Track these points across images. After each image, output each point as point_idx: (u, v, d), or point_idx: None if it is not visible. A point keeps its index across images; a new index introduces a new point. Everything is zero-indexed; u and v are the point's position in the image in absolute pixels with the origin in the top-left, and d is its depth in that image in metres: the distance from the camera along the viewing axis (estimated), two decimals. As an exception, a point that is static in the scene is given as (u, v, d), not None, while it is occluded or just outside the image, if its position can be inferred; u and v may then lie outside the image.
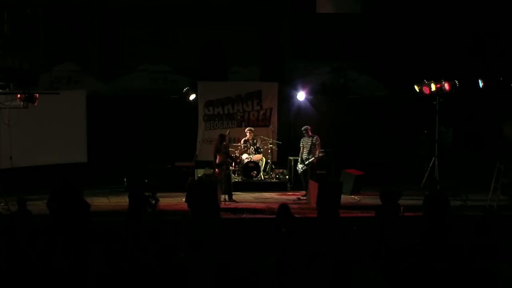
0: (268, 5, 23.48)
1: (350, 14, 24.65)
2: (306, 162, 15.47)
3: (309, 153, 15.48)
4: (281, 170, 17.47)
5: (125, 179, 16.52)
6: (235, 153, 16.92)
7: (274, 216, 11.18)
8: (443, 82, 15.84)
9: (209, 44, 20.34)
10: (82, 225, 10.58)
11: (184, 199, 13.55)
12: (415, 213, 11.90)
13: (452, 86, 15.82)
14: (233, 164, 16.50)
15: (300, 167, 15.68)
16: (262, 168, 17.19)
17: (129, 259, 7.39)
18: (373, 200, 14.41)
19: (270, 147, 17.35)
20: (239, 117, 17.95)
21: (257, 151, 17.01)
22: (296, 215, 11.27)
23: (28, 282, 6.98)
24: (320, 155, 15.59)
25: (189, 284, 6.77)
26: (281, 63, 21.14)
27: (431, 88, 16.00)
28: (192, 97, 17.46)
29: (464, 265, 7.05)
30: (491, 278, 6.18)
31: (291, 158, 16.96)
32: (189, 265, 7.26)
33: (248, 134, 17.02)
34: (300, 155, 15.70)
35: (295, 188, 16.72)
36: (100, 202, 15.07)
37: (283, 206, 10.60)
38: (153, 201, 11.52)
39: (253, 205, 14.90)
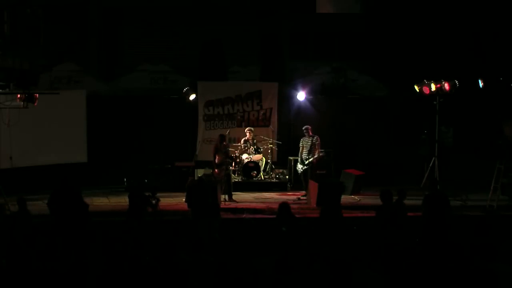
0: (268, 5, 23.49)
1: (350, 14, 24.67)
2: (306, 162, 15.47)
3: (309, 153, 15.47)
4: (281, 170, 17.47)
5: (125, 179, 16.52)
6: (235, 153, 16.92)
7: (274, 216, 11.19)
8: (443, 82, 15.84)
9: (209, 44, 20.34)
10: (81, 225, 10.57)
11: (184, 199, 13.55)
12: (415, 213, 11.89)
13: (452, 86, 15.82)
14: (233, 164, 16.50)
15: (300, 167, 15.68)
16: (262, 168, 17.19)
17: (129, 259, 7.39)
18: (373, 200, 14.41)
19: (270, 147, 17.35)
20: (239, 117, 17.95)
21: (257, 151, 17.01)
22: (296, 215, 11.24)
23: (28, 282, 6.97)
24: (320, 154, 15.59)
25: (189, 284, 6.77)
26: (281, 63, 21.16)
27: (431, 88, 16.01)
28: (192, 97, 17.47)
29: (464, 265, 7.05)
30: (491, 278, 6.19)
31: (291, 158, 16.96)
32: (189, 265, 7.26)
33: (248, 134, 17.02)
34: (299, 155, 15.69)
35: (295, 188, 16.72)
36: (100, 202, 15.07)
37: (284, 205, 10.60)
38: (154, 201, 11.51)
39: (253, 205, 14.90)
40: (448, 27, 22.26)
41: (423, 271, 7.02)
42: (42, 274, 7.11)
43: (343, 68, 19.47)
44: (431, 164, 16.10)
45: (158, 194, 11.71)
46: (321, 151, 15.73)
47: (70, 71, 18.74)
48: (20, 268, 7.15)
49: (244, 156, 17.01)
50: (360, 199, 15.50)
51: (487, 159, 15.57)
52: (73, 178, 11.66)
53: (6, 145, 15.32)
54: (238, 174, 17.03)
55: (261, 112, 17.99)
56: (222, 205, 14.16)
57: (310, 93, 18.38)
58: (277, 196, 16.04)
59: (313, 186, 14.62)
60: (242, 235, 11.54)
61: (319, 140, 15.53)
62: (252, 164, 16.88)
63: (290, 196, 15.83)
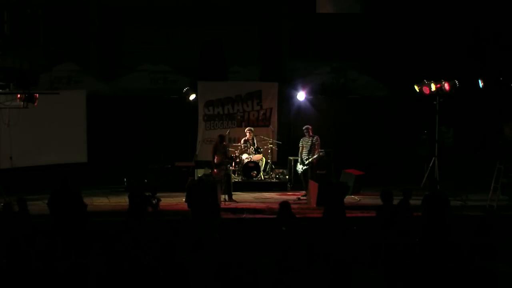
0: (268, 5, 23.48)
1: (350, 14, 24.65)
2: (306, 162, 15.48)
3: (309, 153, 15.48)
4: (281, 170, 17.48)
5: (125, 179, 16.51)
6: (235, 153, 16.93)
7: (274, 216, 11.19)
8: (443, 82, 15.84)
9: (209, 44, 20.34)
10: (80, 225, 10.56)
11: (184, 199, 13.56)
12: (415, 213, 11.88)
13: (452, 86, 15.82)
14: (233, 164, 16.51)
15: (300, 168, 15.68)
16: (262, 168, 17.20)
17: (129, 259, 7.38)
18: (373, 200, 14.42)
19: (270, 147, 17.36)
20: (239, 117, 17.95)
21: (257, 151, 17.01)
22: (296, 215, 11.25)
23: (28, 282, 6.97)
24: (320, 154, 15.60)
25: (189, 284, 6.77)
26: (281, 63, 21.17)
27: (431, 88, 16.01)
28: (192, 97, 17.47)
29: (464, 265, 7.05)
30: (491, 278, 6.19)
31: (291, 158, 16.96)
32: (189, 265, 7.26)
33: (248, 134, 17.02)
34: (299, 155, 15.69)
35: (295, 188, 16.72)
36: (100, 202, 15.07)
37: (284, 204, 10.61)
38: (155, 201, 11.51)
39: (253, 205, 14.89)
40: (448, 27, 22.25)
41: (423, 271, 7.02)
42: (42, 274, 7.11)
43: (343, 68, 19.47)
44: (431, 164, 16.10)
45: (158, 194, 11.72)
46: (321, 151, 15.73)
47: (70, 71, 18.75)
48: (20, 268, 7.15)
49: (244, 156, 17.01)
50: (360, 199, 15.50)
51: (487, 159, 15.57)
52: (72, 178, 11.66)
53: (6, 145, 15.32)
54: (238, 174, 17.04)
55: (261, 112, 17.99)
56: (222, 205, 14.16)
57: (310, 93, 18.38)
58: (277, 196, 16.04)
59: (313, 186, 14.63)
60: (242, 235, 11.55)
61: (319, 140, 15.54)
62: (252, 164, 16.88)
63: (290, 196, 15.82)
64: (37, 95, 13.94)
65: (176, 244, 7.63)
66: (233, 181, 15.94)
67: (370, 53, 23.30)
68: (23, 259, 7.34)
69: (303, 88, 18.16)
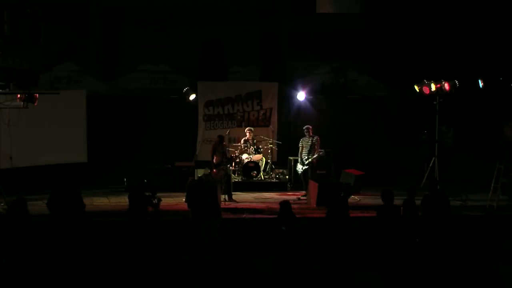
0: (268, 5, 23.48)
1: (350, 14, 24.64)
2: (306, 162, 15.48)
3: (308, 153, 15.48)
4: (281, 170, 17.48)
5: (125, 179, 16.52)
6: (235, 153, 16.93)
7: (274, 216, 11.18)
8: (443, 82, 15.84)
9: (209, 44, 20.35)
10: (78, 225, 10.56)
11: (184, 199, 13.55)
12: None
13: (452, 86, 15.82)
14: (233, 164, 16.51)
15: (300, 168, 15.68)
16: (262, 168, 17.20)
17: (129, 259, 7.38)
18: (373, 200, 14.43)
19: (270, 147, 17.36)
20: (239, 117, 17.96)
21: (257, 151, 17.01)
22: (296, 215, 11.26)
23: (28, 282, 6.97)
24: (320, 154, 15.60)
25: (189, 284, 6.76)
26: (281, 63, 21.17)
27: (431, 88, 16.00)
28: (192, 97, 17.47)
29: (464, 265, 7.05)
30: (491, 278, 6.18)
31: (291, 158, 16.96)
32: (189, 265, 7.25)
33: (248, 134, 17.02)
34: (299, 155, 15.69)
35: (295, 188, 16.73)
36: (100, 202, 15.07)
37: (284, 203, 10.62)
38: (155, 201, 11.50)
39: (253, 205, 14.89)
40: (448, 27, 22.25)
41: (423, 271, 7.02)
42: (42, 274, 7.11)
43: (343, 68, 19.48)
44: (431, 164, 16.10)
45: (158, 194, 11.71)
46: (321, 151, 15.73)
47: (70, 71, 18.75)
48: (20, 268, 7.15)
49: (244, 156, 17.01)
50: (360, 199, 15.50)
51: (487, 159, 15.57)
52: (72, 178, 11.65)
53: (6, 145, 15.31)
54: (238, 174, 17.04)
55: (261, 112, 18.00)
56: (222, 205, 14.16)
57: (310, 93, 18.39)
58: (277, 196, 16.03)
59: (313, 186, 14.63)
60: (242, 235, 11.55)
61: (319, 140, 15.55)
62: (252, 164, 16.88)
63: (290, 196, 15.81)
64: (37, 95, 13.94)
65: (176, 244, 7.62)
66: (233, 181, 15.94)
67: (370, 53, 23.29)
68: (23, 259, 7.34)
69: (303, 88, 18.16)
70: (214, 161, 15.12)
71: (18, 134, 15.30)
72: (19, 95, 13.76)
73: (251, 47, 22.76)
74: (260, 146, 17.15)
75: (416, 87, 16.41)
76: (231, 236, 11.26)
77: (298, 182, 16.44)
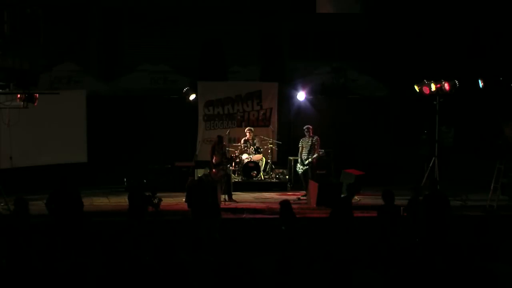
0: (268, 5, 23.48)
1: (350, 14, 24.64)
2: (306, 162, 15.48)
3: (308, 153, 15.48)
4: (281, 170, 17.48)
5: (125, 179, 16.51)
6: (235, 153, 16.93)
7: (274, 216, 11.18)
8: (443, 82, 15.82)
9: (209, 44, 20.35)
10: (77, 224, 10.55)
11: (184, 199, 13.55)
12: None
13: (452, 86, 15.80)
14: (233, 164, 16.51)
15: (300, 168, 15.68)
16: (262, 168, 17.20)
17: (129, 259, 7.38)
18: (373, 200, 14.44)
19: (270, 147, 17.36)
20: (239, 117, 17.96)
21: (257, 151, 17.01)
22: (296, 215, 11.25)
23: (28, 282, 6.97)
24: (320, 154, 15.60)
25: (189, 284, 6.76)
26: (281, 63, 21.16)
27: (431, 88, 15.99)
28: (192, 97, 17.48)
29: (464, 265, 7.05)
30: (491, 278, 6.18)
31: (291, 158, 16.96)
32: (189, 265, 7.25)
33: (248, 134, 17.02)
34: (299, 155, 15.69)
35: (295, 188, 16.73)
36: (100, 202, 15.08)
37: (285, 202, 10.61)
38: (156, 201, 11.49)
39: (253, 205, 14.90)
40: (448, 26, 22.25)
41: (423, 271, 7.01)
42: (42, 274, 7.11)
43: (343, 68, 19.49)
44: (431, 164, 16.09)
45: (158, 194, 11.71)
46: (321, 151, 15.73)
47: (70, 71, 18.75)
48: (20, 268, 7.15)
49: (244, 156, 17.01)
50: (360, 199, 15.49)
51: (487, 159, 15.58)
52: (71, 178, 11.65)
53: (6, 145, 15.31)
54: (238, 174, 17.04)
55: (261, 112, 18.00)
56: (222, 205, 14.16)
57: (310, 93, 18.39)
58: (277, 196, 16.02)
59: (313, 186, 14.63)
60: (242, 235, 11.55)
61: (319, 140, 15.55)
62: (252, 164, 16.89)
63: (290, 196, 15.79)
64: (37, 95, 13.93)
65: (176, 244, 7.62)
66: (233, 181, 15.95)
67: (370, 53, 23.28)
68: (23, 259, 7.34)
69: (303, 88, 18.17)
70: (213, 161, 15.13)
71: (18, 134, 15.30)
72: (19, 95, 13.75)
73: (251, 47, 22.75)
74: (260, 146, 17.14)
75: (416, 87, 16.40)
76: (231, 236, 11.26)
77: (298, 182, 16.44)
